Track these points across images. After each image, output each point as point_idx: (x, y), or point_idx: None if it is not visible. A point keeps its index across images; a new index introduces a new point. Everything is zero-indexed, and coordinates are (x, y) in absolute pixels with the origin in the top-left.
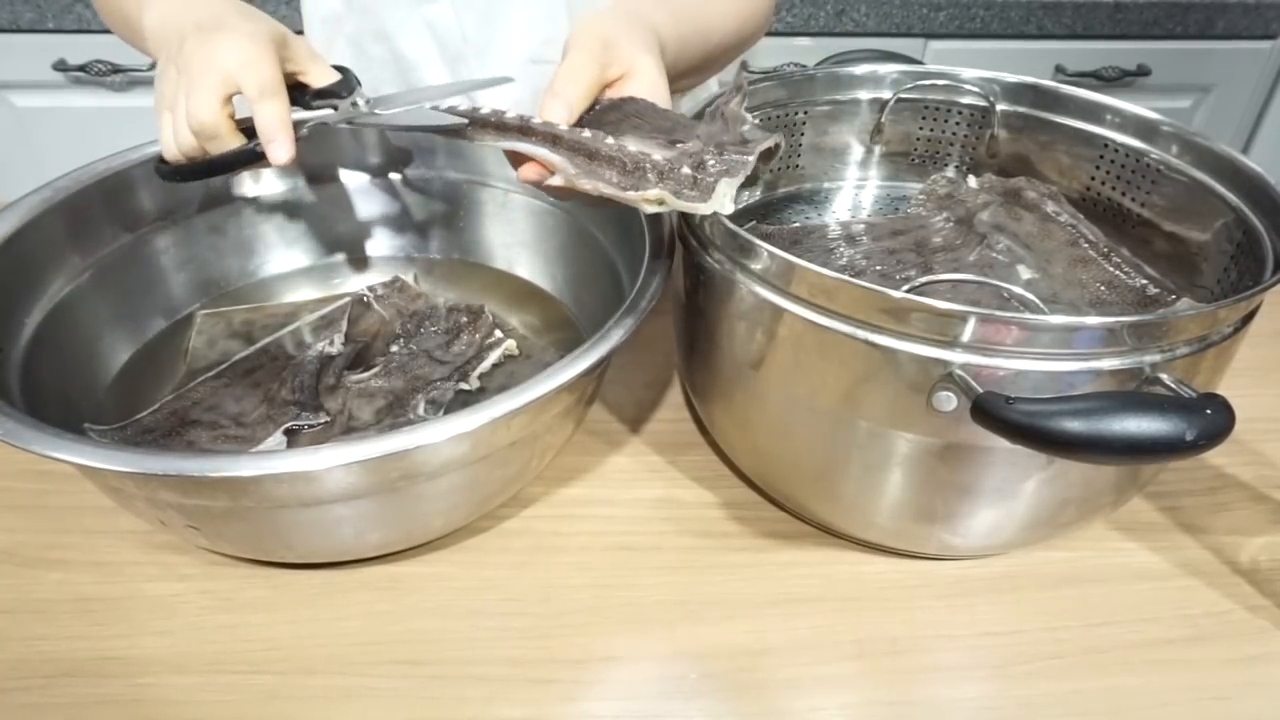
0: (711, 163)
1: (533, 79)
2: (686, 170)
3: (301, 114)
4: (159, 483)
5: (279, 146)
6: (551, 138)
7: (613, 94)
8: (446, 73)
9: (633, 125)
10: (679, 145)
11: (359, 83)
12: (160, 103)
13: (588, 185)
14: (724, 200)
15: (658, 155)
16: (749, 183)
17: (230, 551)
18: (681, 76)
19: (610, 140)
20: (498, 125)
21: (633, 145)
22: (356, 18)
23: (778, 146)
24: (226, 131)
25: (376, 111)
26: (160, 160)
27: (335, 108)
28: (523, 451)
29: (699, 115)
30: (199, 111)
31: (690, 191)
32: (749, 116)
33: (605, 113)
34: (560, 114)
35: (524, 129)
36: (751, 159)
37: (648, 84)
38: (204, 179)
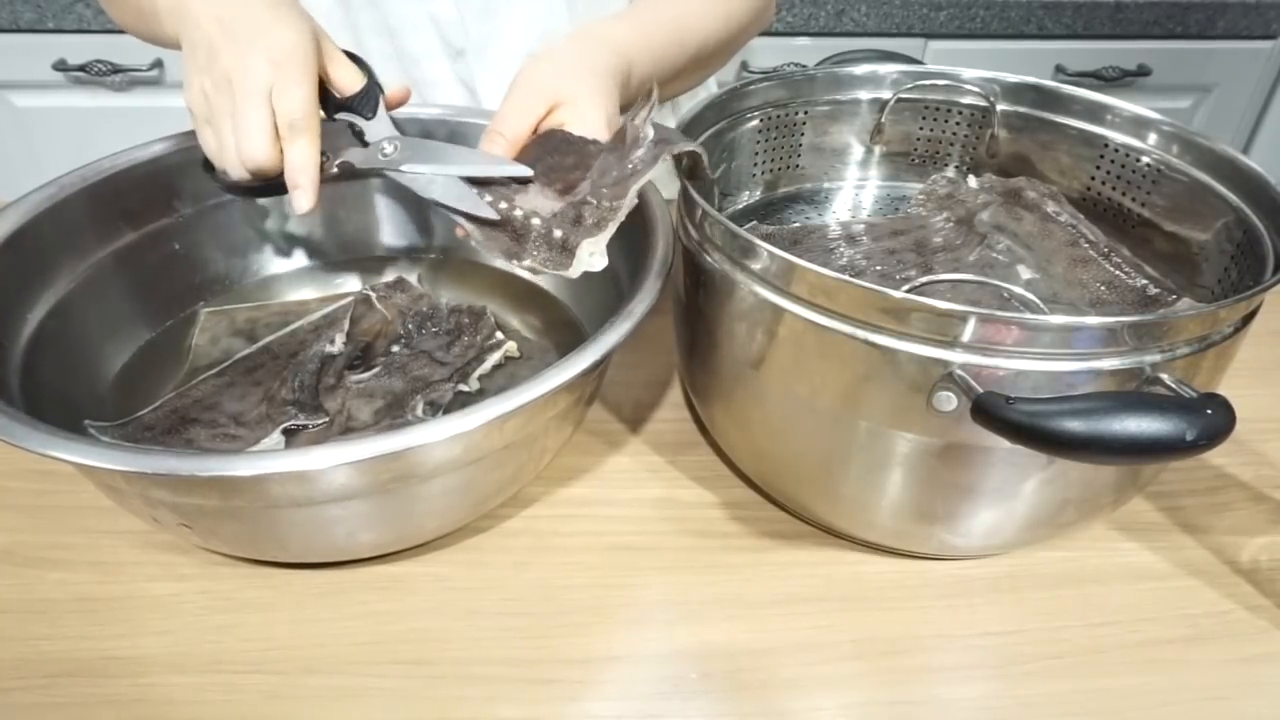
0: (588, 215)
1: None
2: (558, 234)
3: (329, 131)
4: (150, 481)
5: (302, 195)
6: None
7: (544, 126)
8: (448, 67)
9: (544, 166)
10: (568, 195)
11: (381, 90)
12: (196, 110)
13: (486, 252)
14: (591, 260)
15: (544, 213)
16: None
17: (223, 550)
18: (665, 84)
19: (504, 204)
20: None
21: (528, 200)
22: (360, 12)
23: (685, 155)
24: (280, 163)
25: (402, 170)
26: (207, 165)
27: (357, 131)
28: (518, 454)
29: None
30: (254, 156)
31: (558, 258)
32: (651, 131)
33: (529, 149)
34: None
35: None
36: (623, 207)
37: (576, 115)
38: (266, 195)
